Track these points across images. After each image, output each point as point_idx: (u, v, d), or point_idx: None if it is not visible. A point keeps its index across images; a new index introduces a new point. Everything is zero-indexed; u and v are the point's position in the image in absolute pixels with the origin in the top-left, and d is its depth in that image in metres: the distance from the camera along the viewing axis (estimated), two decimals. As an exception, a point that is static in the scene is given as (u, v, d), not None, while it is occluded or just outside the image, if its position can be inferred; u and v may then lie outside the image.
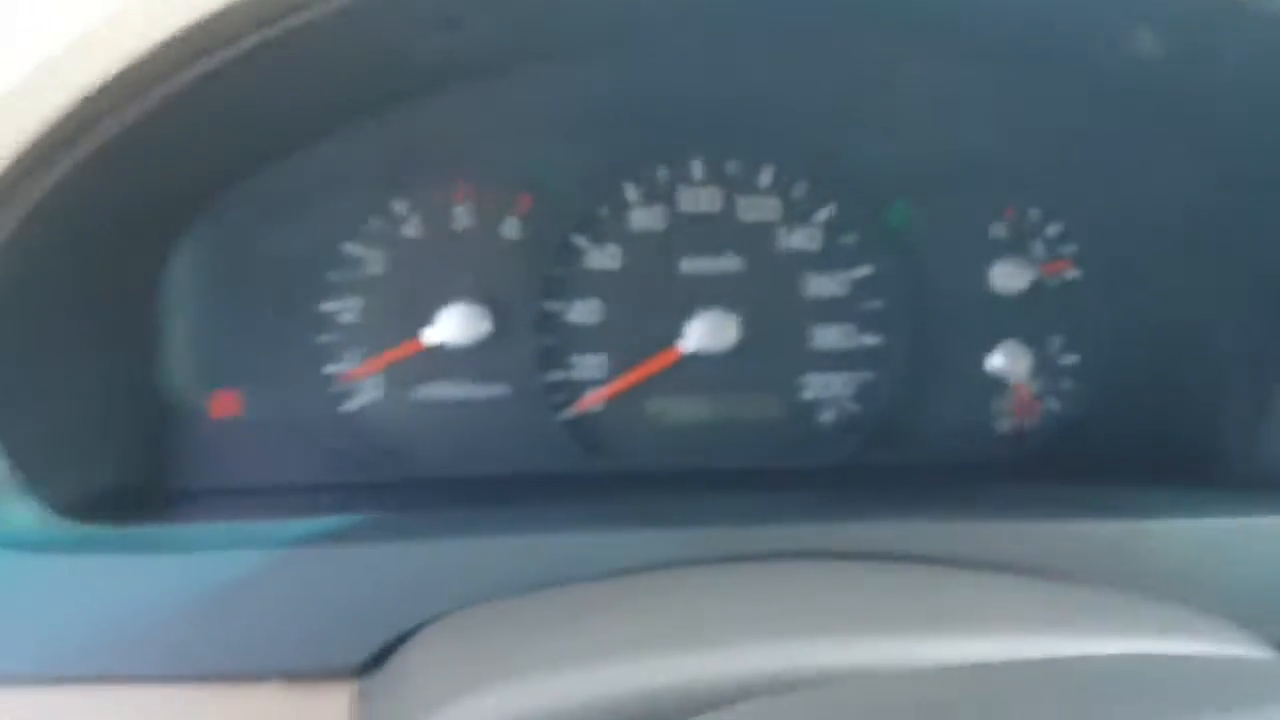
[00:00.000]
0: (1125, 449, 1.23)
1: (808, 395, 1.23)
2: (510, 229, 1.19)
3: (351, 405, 1.20)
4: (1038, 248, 1.22)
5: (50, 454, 0.96)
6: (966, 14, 0.90)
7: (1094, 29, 0.85)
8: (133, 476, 1.11)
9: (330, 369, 1.19)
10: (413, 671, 0.78)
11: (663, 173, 1.20)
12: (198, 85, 0.72)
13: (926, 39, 1.00)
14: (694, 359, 1.20)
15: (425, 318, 1.18)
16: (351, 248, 1.18)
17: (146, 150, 0.82)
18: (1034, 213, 1.22)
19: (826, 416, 1.23)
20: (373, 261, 1.18)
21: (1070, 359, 1.24)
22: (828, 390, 1.23)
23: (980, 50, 1.00)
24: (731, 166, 1.20)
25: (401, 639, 0.84)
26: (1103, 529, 0.88)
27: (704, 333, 1.19)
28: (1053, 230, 1.22)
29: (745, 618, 0.73)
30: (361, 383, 1.20)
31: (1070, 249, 1.22)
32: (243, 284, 1.16)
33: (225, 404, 1.18)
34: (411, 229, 1.18)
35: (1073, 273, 1.23)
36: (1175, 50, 0.84)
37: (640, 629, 0.72)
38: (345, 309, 1.19)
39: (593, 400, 1.21)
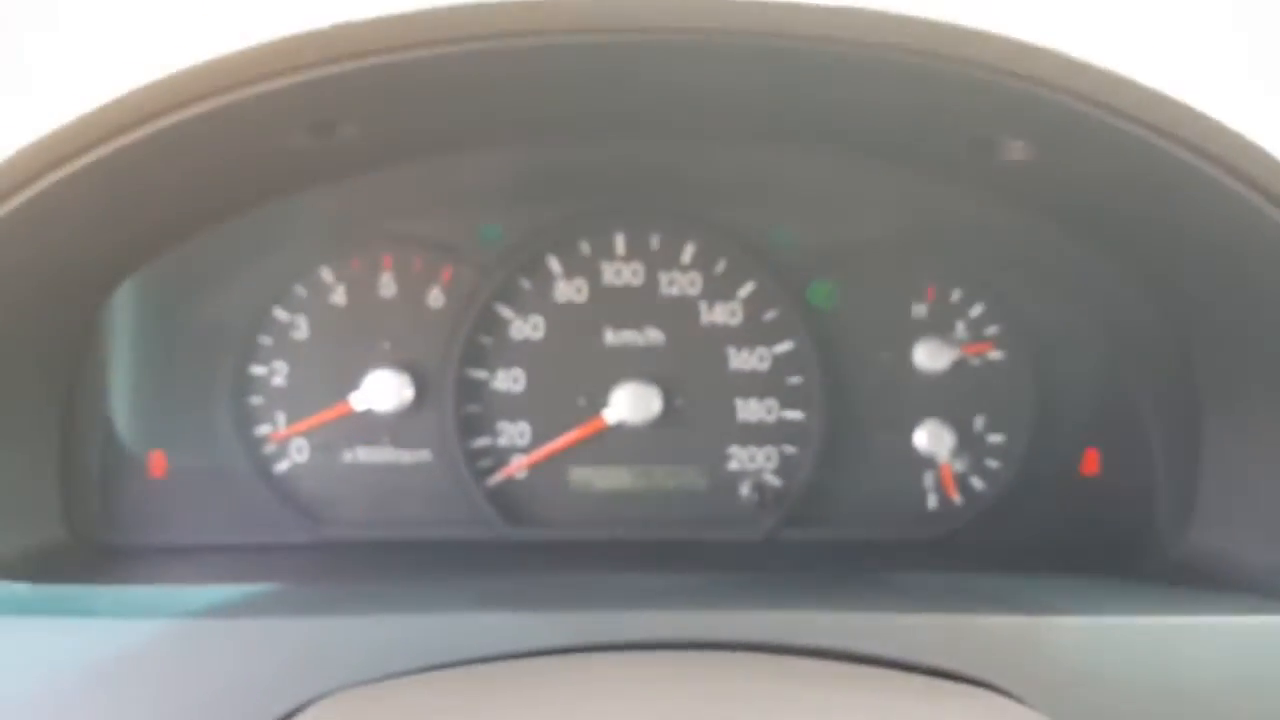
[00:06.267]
0: (1050, 532, 1.22)
1: (730, 467, 1.24)
2: (435, 298, 1.21)
3: (278, 467, 1.22)
4: (960, 328, 1.23)
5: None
6: (852, 119, 0.92)
7: (964, 139, 0.87)
8: (61, 534, 1.13)
9: (258, 431, 1.21)
10: None
11: (585, 246, 1.22)
12: (93, 170, 0.75)
13: (825, 137, 1.02)
14: (618, 429, 1.22)
15: (350, 383, 1.20)
16: (279, 313, 1.20)
17: (56, 224, 0.85)
18: (956, 294, 1.23)
19: (747, 489, 1.23)
20: (299, 327, 1.21)
21: (995, 438, 1.24)
22: (750, 463, 1.24)
23: (875, 149, 1.02)
24: (654, 242, 1.22)
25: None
26: (1006, 624, 0.88)
27: (627, 403, 1.20)
28: (975, 311, 1.23)
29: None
30: (287, 445, 1.22)
31: (993, 330, 1.23)
32: (173, 346, 1.19)
33: (155, 464, 1.21)
34: (338, 296, 1.21)
35: (995, 354, 1.23)
36: (1045, 158, 0.85)
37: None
38: (273, 373, 1.21)
39: (516, 468, 1.23)
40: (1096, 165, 0.84)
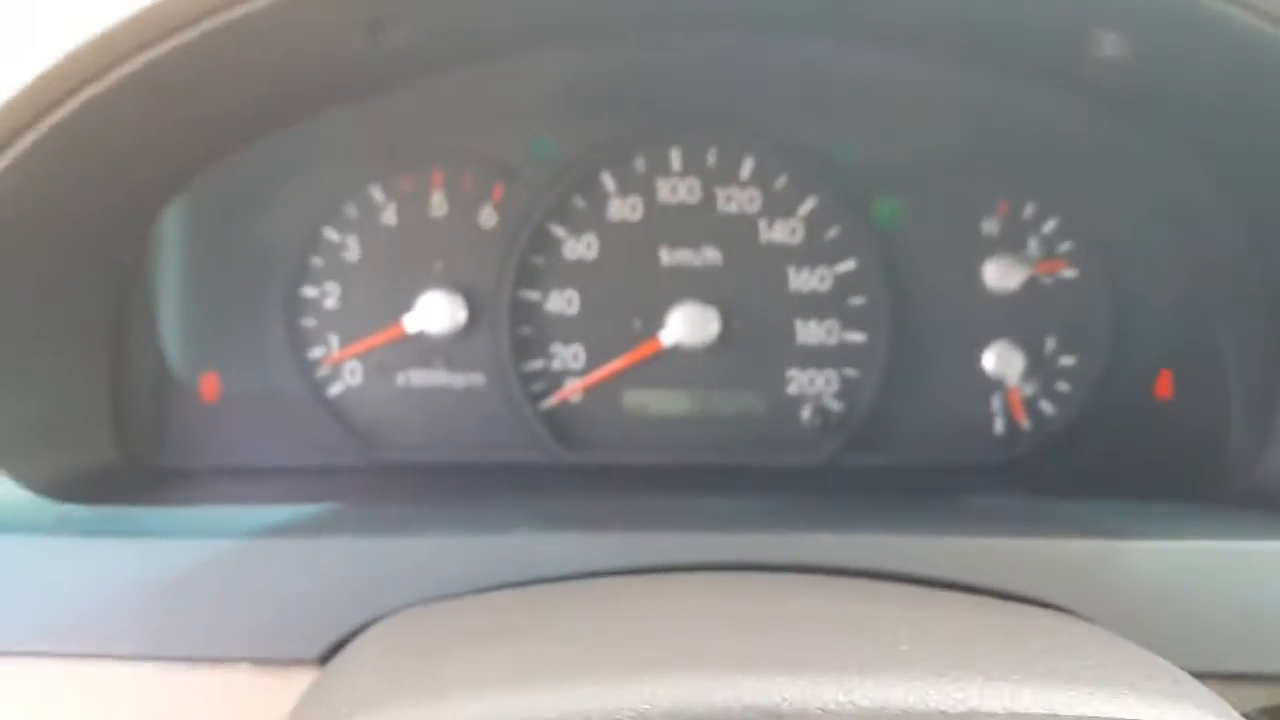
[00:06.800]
0: (1120, 457, 1.18)
1: (789, 391, 1.20)
2: (486, 217, 1.18)
3: (331, 390, 1.21)
4: (1032, 245, 1.18)
5: (29, 433, 0.98)
6: (935, 17, 0.86)
7: (1055, 33, 0.81)
8: (114, 456, 1.13)
9: (311, 354, 1.20)
10: (353, 669, 0.78)
11: (640, 162, 1.18)
12: (142, 76, 0.72)
13: (900, 40, 0.96)
14: (674, 352, 1.19)
15: (403, 304, 1.18)
16: (330, 234, 1.18)
17: (108, 133, 0.83)
18: (1029, 209, 1.17)
19: (808, 414, 1.20)
20: (350, 248, 1.19)
21: (1066, 361, 1.19)
22: (810, 387, 1.20)
23: (954, 52, 0.96)
24: (711, 157, 1.18)
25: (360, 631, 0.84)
26: (1079, 547, 0.85)
27: (684, 325, 1.17)
28: (1048, 227, 1.18)
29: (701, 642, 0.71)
30: (341, 368, 1.21)
31: (1066, 247, 1.18)
32: (223, 267, 1.18)
33: (208, 386, 1.20)
34: (388, 216, 1.18)
35: (1069, 272, 1.18)
36: (1143, 53, 0.79)
37: (594, 646, 0.70)
38: (325, 294, 1.19)
39: (570, 391, 1.20)
40: (1201, 64, 0.77)
